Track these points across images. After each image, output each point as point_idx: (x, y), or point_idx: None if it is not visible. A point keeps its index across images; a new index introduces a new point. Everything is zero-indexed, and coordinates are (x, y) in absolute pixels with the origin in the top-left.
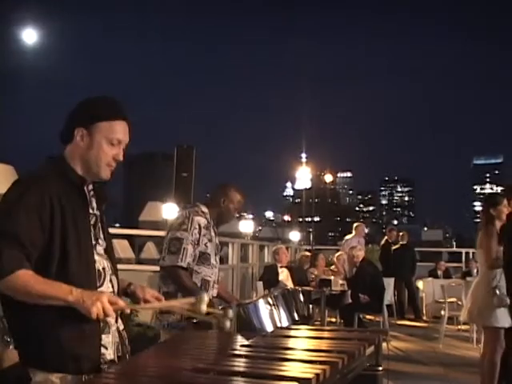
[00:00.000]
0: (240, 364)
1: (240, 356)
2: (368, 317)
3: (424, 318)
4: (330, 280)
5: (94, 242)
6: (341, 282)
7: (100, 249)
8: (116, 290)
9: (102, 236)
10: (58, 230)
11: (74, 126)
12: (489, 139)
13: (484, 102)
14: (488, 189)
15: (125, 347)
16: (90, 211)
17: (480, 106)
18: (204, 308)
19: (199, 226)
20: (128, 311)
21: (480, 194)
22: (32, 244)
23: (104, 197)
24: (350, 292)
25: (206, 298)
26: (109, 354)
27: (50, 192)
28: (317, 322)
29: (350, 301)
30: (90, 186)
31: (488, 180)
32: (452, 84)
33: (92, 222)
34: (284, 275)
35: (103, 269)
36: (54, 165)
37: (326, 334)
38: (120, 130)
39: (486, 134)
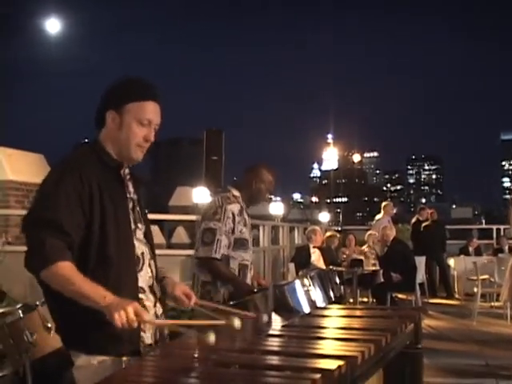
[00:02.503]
0: (284, 344)
1: (283, 336)
2: (400, 296)
3: (456, 295)
4: (362, 260)
5: (133, 227)
6: (372, 261)
7: (140, 233)
8: (155, 274)
9: (141, 220)
10: (98, 213)
11: (105, 109)
12: None
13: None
14: None
15: (162, 332)
16: (128, 195)
17: (507, 80)
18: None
19: (233, 214)
20: (149, 326)
21: (508, 169)
22: (75, 230)
23: (141, 180)
24: (381, 271)
25: (237, 322)
26: (147, 337)
27: (88, 176)
28: (348, 303)
29: (382, 280)
30: (127, 170)
31: None
32: (479, 58)
33: (130, 206)
34: (316, 256)
35: (142, 254)
36: (90, 149)
37: (365, 313)
38: (150, 110)
39: None
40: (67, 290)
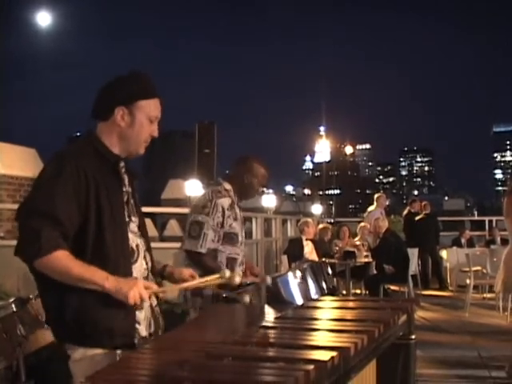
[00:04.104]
0: (277, 335)
1: (276, 328)
2: (393, 287)
3: (449, 287)
4: (355, 252)
5: (127, 219)
6: (365, 253)
7: (133, 226)
8: (150, 267)
9: (134, 213)
10: (93, 206)
11: (114, 104)
12: (508, 106)
13: (503, 69)
14: (509, 156)
15: (157, 323)
16: (123, 188)
17: (499, 72)
18: (237, 280)
19: (223, 208)
20: (161, 294)
21: (500, 161)
22: (70, 222)
23: (135, 173)
24: (374, 263)
25: (227, 272)
26: (141, 329)
27: (85, 169)
28: (341, 294)
29: (375, 272)
30: (122, 163)
31: (508, 147)
32: (470, 51)
33: (125, 199)
34: (309, 248)
35: (137, 246)
36: (87, 142)
37: (358, 304)
38: (157, 107)
39: (506, 100)
40: (66, 277)
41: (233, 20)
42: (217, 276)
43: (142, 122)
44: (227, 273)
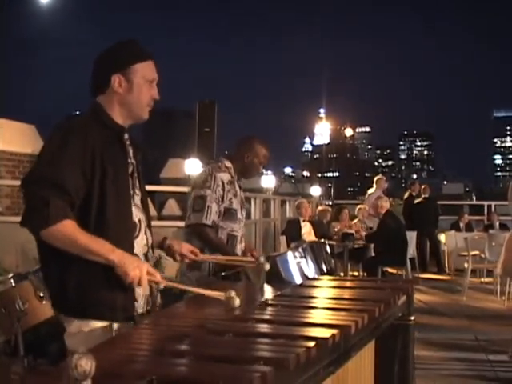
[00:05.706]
0: (277, 313)
1: (276, 305)
2: (390, 270)
3: (446, 271)
4: (353, 234)
5: (131, 192)
6: (363, 235)
7: (137, 199)
8: (150, 242)
9: (138, 186)
10: (98, 177)
11: (109, 73)
12: (509, 91)
13: (504, 53)
14: (508, 142)
15: (155, 300)
16: (128, 160)
17: (501, 57)
18: (237, 303)
19: (222, 182)
20: (162, 286)
21: (500, 147)
22: (76, 192)
23: (140, 146)
24: (373, 245)
25: (234, 294)
26: (139, 306)
27: (92, 139)
28: (339, 276)
29: (373, 254)
30: (127, 135)
31: (508, 133)
32: (471, 35)
33: (130, 171)
34: (307, 229)
35: (139, 220)
36: (92, 113)
37: (358, 284)
38: (152, 69)
39: (507, 86)
40: (73, 247)
41: (232, 19)
42: (219, 293)
43: (140, 86)
44: (232, 293)
